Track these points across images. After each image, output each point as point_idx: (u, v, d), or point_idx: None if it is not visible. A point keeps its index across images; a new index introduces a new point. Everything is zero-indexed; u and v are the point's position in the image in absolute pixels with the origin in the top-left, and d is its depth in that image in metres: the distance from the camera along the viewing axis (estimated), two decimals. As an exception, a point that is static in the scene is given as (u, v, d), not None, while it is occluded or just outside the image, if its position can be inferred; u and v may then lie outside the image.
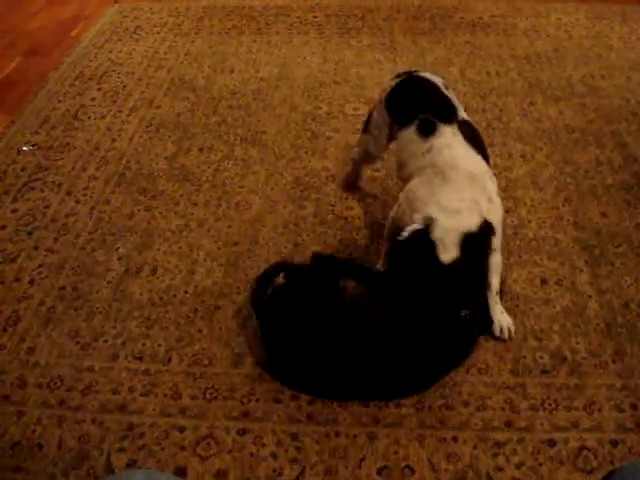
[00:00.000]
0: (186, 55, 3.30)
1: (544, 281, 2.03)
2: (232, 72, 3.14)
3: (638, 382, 1.75)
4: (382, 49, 3.31)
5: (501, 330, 1.86)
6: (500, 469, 1.57)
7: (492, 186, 1.85)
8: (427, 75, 2.13)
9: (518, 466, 1.57)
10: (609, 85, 3.00)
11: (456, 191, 1.78)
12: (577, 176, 2.46)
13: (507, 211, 2.28)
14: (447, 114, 1.95)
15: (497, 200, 1.85)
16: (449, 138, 1.88)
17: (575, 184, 2.42)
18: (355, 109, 2.86)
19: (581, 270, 2.07)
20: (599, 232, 2.21)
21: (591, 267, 2.08)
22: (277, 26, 3.56)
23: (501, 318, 1.88)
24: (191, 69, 3.18)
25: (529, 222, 2.24)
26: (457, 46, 3.32)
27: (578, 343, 1.85)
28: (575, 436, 1.63)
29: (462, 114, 2.00)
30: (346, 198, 2.38)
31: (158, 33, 3.52)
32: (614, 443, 1.61)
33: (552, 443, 1.62)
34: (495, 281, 1.89)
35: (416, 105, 2.01)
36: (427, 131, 1.91)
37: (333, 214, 2.31)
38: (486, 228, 1.76)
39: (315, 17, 3.63)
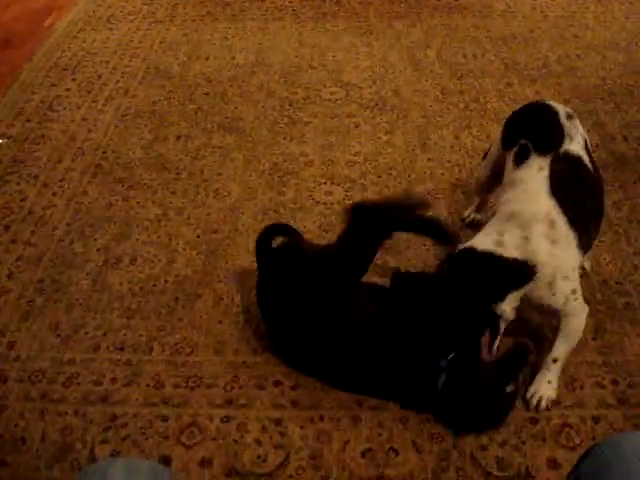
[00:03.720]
0: (161, 43, 3.27)
1: (524, 261, 2.04)
2: (207, 59, 3.12)
3: (618, 359, 1.77)
4: (358, 33, 3.29)
5: (532, 397, 1.66)
6: (484, 448, 1.58)
7: (546, 233, 1.59)
8: (551, 102, 1.88)
9: (501, 444, 1.58)
10: (585, 65, 3.00)
11: (491, 229, 1.66)
12: (555, 156, 2.46)
13: (486, 192, 2.30)
14: (546, 143, 1.72)
15: (546, 249, 1.58)
16: (531, 172, 1.69)
17: (553, 164, 2.42)
18: (332, 93, 2.85)
19: (560, 249, 2.08)
20: (577, 211, 2.21)
21: (570, 246, 2.09)
22: (252, 12, 3.53)
23: (543, 387, 1.67)
24: (166, 57, 3.15)
25: (508, 203, 2.25)
26: (433, 29, 3.32)
27: (558, 321, 1.86)
28: (557, 413, 1.64)
29: (572, 147, 1.72)
30: (325, 183, 2.37)
31: (132, 21, 3.48)
32: (596, 419, 1.63)
33: (534, 421, 1.63)
34: (560, 348, 1.66)
35: (521, 130, 1.82)
36: (520, 160, 1.73)
37: (312, 199, 2.31)
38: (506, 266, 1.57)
39: (290, 2, 3.61)
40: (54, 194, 2.37)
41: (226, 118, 2.72)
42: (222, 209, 2.28)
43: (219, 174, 2.44)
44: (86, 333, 1.88)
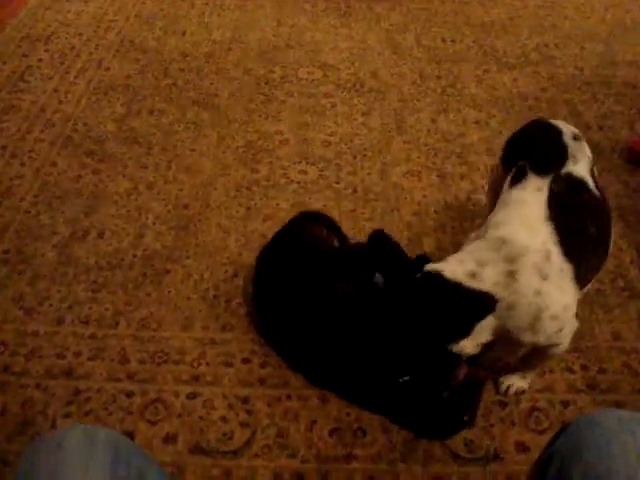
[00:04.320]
0: (136, 17, 3.20)
1: (497, 246, 2.03)
2: (184, 34, 3.06)
3: (589, 344, 1.77)
4: (337, 14, 3.26)
5: (502, 383, 1.65)
6: (451, 430, 1.57)
7: (536, 266, 1.36)
8: (554, 121, 1.68)
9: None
10: (563, 54, 3.00)
11: (470, 256, 1.41)
12: (530, 143, 2.46)
13: (461, 176, 2.29)
14: (545, 162, 1.53)
15: (530, 284, 1.35)
16: (528, 192, 1.48)
17: (528, 151, 2.42)
18: (309, 73, 2.81)
19: (533, 235, 2.07)
20: (551, 198, 2.21)
21: (543, 232, 2.08)
22: (230, -11, 3.48)
23: (515, 377, 1.65)
24: (141, 31, 3.09)
25: (482, 187, 2.23)
26: (413, 12, 3.29)
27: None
28: (526, 397, 1.64)
29: (576, 169, 1.52)
30: (299, 162, 2.34)
31: (107, -6, 3.41)
32: (565, 404, 1.63)
33: (503, 404, 1.63)
34: (536, 365, 1.63)
35: (520, 149, 1.66)
36: (516, 180, 1.54)
37: (286, 178, 2.27)
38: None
39: (270, -19, 3.56)
40: (22, 165, 2.31)
41: (201, 94, 2.67)
42: (194, 185, 2.24)
43: (192, 150, 2.40)
44: (50, 305, 1.83)
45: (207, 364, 1.70)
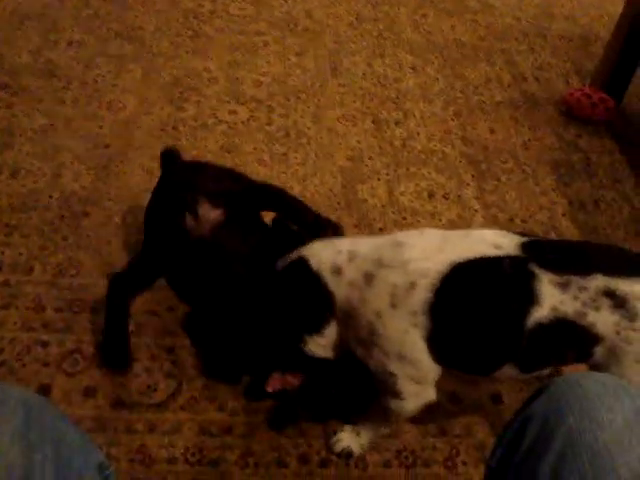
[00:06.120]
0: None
1: (431, 194, 1.99)
2: (106, -38, 2.86)
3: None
4: (270, -51, 3.10)
5: (336, 442, 1.40)
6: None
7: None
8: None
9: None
10: (502, 4, 2.95)
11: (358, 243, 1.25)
12: (467, 91, 2.41)
13: (396, 123, 2.22)
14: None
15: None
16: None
17: (464, 99, 2.37)
18: (241, 9, 2.67)
19: (468, 184, 2.04)
20: (486, 148, 2.18)
21: (477, 182, 2.05)
22: None
23: (349, 436, 1.40)
24: (59, -44, 2.87)
25: (418, 134, 2.18)
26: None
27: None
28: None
29: None
30: (229, 102, 2.22)
31: None
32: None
33: (326, 462, 1.46)
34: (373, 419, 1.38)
35: None
36: None
37: (215, 118, 2.16)
38: None
39: None
40: None
41: (124, 26, 2.50)
42: (115, 122, 2.10)
43: (114, 85, 2.25)
44: (-43, 249, 1.70)
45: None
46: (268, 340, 1.30)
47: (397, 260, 1.15)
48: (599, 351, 1.09)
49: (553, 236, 1.91)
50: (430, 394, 1.24)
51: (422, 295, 1.11)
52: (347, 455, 1.39)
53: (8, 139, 2.01)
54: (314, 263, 1.21)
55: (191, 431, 1.41)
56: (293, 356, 1.27)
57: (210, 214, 1.47)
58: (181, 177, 1.58)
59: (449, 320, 1.13)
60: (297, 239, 1.34)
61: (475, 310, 1.12)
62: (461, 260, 1.12)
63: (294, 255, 1.26)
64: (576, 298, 1.06)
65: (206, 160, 1.78)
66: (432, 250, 1.15)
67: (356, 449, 1.39)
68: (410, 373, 1.18)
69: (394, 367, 1.17)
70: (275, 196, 1.54)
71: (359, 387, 1.40)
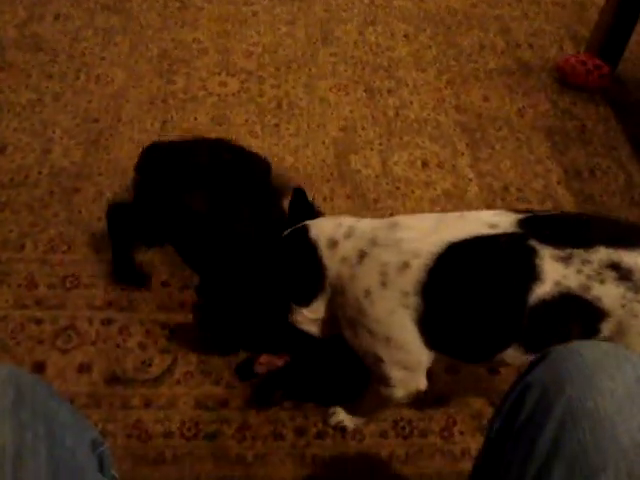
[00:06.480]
0: None
1: (425, 163, 1.97)
2: None
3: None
4: None
5: (332, 414, 1.42)
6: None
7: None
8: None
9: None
10: (494, -32, 2.90)
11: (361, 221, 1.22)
12: (460, 59, 2.38)
13: (389, 91, 2.20)
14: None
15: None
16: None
17: (458, 67, 2.34)
18: (230, -21, 2.63)
19: (462, 153, 2.02)
20: (480, 116, 2.16)
21: (472, 150, 2.03)
22: None
23: (342, 411, 1.42)
24: None
25: (411, 103, 2.16)
26: None
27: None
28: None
29: None
30: (219, 73, 2.19)
31: None
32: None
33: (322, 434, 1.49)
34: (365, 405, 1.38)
35: None
36: None
37: (205, 90, 2.13)
38: None
39: None
40: None
41: (111, -2, 2.47)
42: (104, 96, 2.07)
43: (102, 58, 2.21)
44: (-53, 227, 1.68)
45: (122, 289, 1.59)
46: (259, 305, 1.27)
47: (390, 239, 1.12)
48: (606, 327, 1.07)
49: (549, 205, 1.90)
50: (420, 382, 1.20)
51: (415, 275, 1.08)
52: (342, 429, 1.40)
53: (-5, 115, 1.98)
54: (313, 233, 1.19)
55: (187, 405, 1.41)
56: (281, 327, 1.26)
57: (198, 193, 1.43)
58: (162, 162, 1.51)
59: (444, 302, 1.09)
60: (312, 211, 1.33)
61: (473, 290, 1.08)
62: (456, 240, 1.08)
63: (300, 224, 1.25)
64: (580, 272, 1.03)
65: (180, 136, 1.72)
66: (426, 231, 1.12)
67: (350, 424, 1.40)
68: (398, 358, 1.15)
69: (381, 351, 1.14)
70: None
71: (350, 373, 1.38)
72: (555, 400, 0.74)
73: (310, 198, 1.35)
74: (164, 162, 1.49)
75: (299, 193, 1.34)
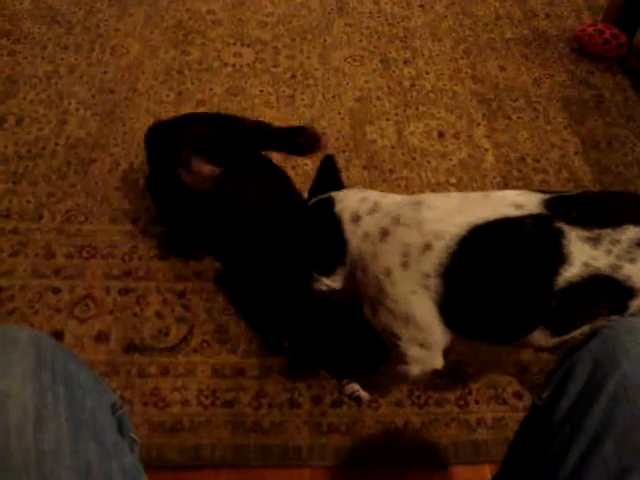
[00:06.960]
0: None
1: (441, 134, 1.96)
2: None
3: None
4: None
5: (347, 384, 1.43)
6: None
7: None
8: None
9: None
10: None
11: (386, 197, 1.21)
12: (476, 29, 2.35)
13: (405, 62, 2.18)
14: None
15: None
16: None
17: (474, 37, 2.32)
18: (243, -51, 2.60)
19: (478, 123, 2.00)
20: (497, 86, 2.14)
21: (488, 121, 2.02)
22: None
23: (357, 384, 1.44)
24: None
25: (427, 74, 2.14)
26: None
27: (474, 197, 1.80)
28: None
29: None
30: (234, 44, 2.18)
31: None
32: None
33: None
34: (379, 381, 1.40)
35: None
36: None
37: (220, 61, 2.12)
38: None
39: None
40: None
41: (125, -31, 2.45)
42: (120, 67, 2.07)
43: (117, 29, 2.21)
44: (-35, 198, 1.69)
45: (139, 258, 1.60)
46: (281, 269, 1.29)
47: (413, 219, 1.11)
48: (634, 304, 1.06)
49: (565, 175, 1.88)
50: (436, 361, 1.20)
51: (437, 257, 1.07)
52: (356, 399, 1.41)
53: (12, 87, 1.98)
54: (338, 205, 1.19)
55: (204, 374, 1.42)
56: (302, 291, 1.26)
57: (204, 167, 1.42)
58: (164, 136, 1.52)
59: (467, 284, 1.08)
60: (338, 181, 1.33)
61: (498, 273, 1.06)
62: (480, 222, 1.07)
63: (325, 195, 1.24)
64: (609, 252, 1.02)
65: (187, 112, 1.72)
66: (450, 212, 1.10)
67: (365, 396, 1.40)
68: (415, 336, 1.14)
69: (399, 329, 1.14)
70: (244, 134, 1.49)
71: (365, 346, 1.38)
72: (608, 376, 0.73)
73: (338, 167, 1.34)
74: (164, 138, 1.50)
75: (329, 161, 1.34)
